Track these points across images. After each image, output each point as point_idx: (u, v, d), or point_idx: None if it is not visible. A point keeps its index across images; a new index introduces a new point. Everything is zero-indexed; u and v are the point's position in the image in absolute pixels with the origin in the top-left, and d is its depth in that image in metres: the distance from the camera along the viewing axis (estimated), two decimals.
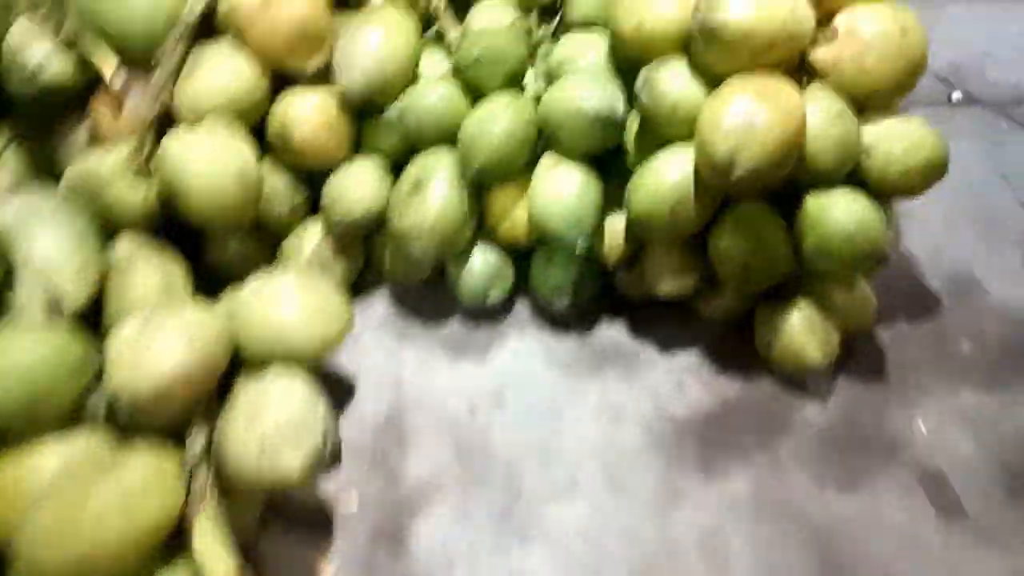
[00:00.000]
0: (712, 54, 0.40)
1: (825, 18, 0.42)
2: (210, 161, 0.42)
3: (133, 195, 0.42)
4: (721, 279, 0.45)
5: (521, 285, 0.52)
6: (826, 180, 0.41)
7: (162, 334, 0.35)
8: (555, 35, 0.52)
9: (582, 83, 0.44)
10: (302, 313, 0.40)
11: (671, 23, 0.42)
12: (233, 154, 0.43)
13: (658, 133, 0.43)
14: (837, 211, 0.41)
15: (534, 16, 0.51)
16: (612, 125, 0.43)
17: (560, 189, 0.45)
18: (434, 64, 0.51)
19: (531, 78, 0.49)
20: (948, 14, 0.79)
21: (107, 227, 0.42)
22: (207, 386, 0.36)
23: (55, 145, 0.48)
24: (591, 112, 0.43)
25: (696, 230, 0.43)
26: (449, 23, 0.51)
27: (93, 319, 0.39)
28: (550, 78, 0.48)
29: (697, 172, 0.41)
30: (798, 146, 0.38)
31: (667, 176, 0.42)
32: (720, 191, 0.41)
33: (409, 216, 0.46)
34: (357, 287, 0.54)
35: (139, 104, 0.44)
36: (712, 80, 0.41)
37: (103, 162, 0.42)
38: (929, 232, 0.58)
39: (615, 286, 0.51)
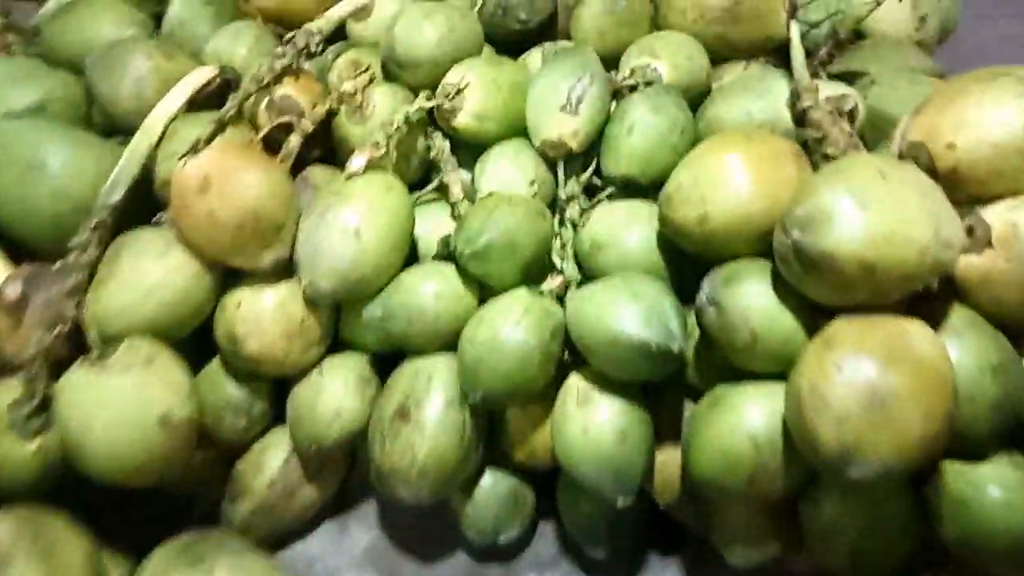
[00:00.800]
0: (812, 285, 0.28)
1: (967, 205, 0.30)
2: (122, 407, 0.31)
3: (20, 454, 0.32)
4: (815, 559, 0.32)
5: (545, 507, 0.40)
6: (977, 448, 0.29)
7: None
8: (587, 192, 0.40)
9: (622, 296, 0.32)
10: None
11: (748, 217, 0.31)
12: (155, 394, 0.32)
13: (730, 361, 0.32)
14: (993, 496, 0.28)
15: (560, 168, 0.40)
16: (664, 359, 0.31)
17: (594, 431, 0.33)
18: (435, 225, 0.40)
19: (556, 255, 0.37)
20: None
21: None
22: None
23: None
24: (634, 343, 0.31)
25: (785, 496, 0.31)
26: (453, 179, 0.40)
27: None
28: (581, 261, 0.37)
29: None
30: (945, 429, 0.26)
31: (745, 427, 0.30)
32: None
33: (394, 452, 0.35)
34: (338, 498, 0.43)
35: (42, 318, 0.33)
36: (809, 305, 0.29)
37: None
38: None
39: (668, 515, 0.39)
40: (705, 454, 0.31)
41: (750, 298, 0.30)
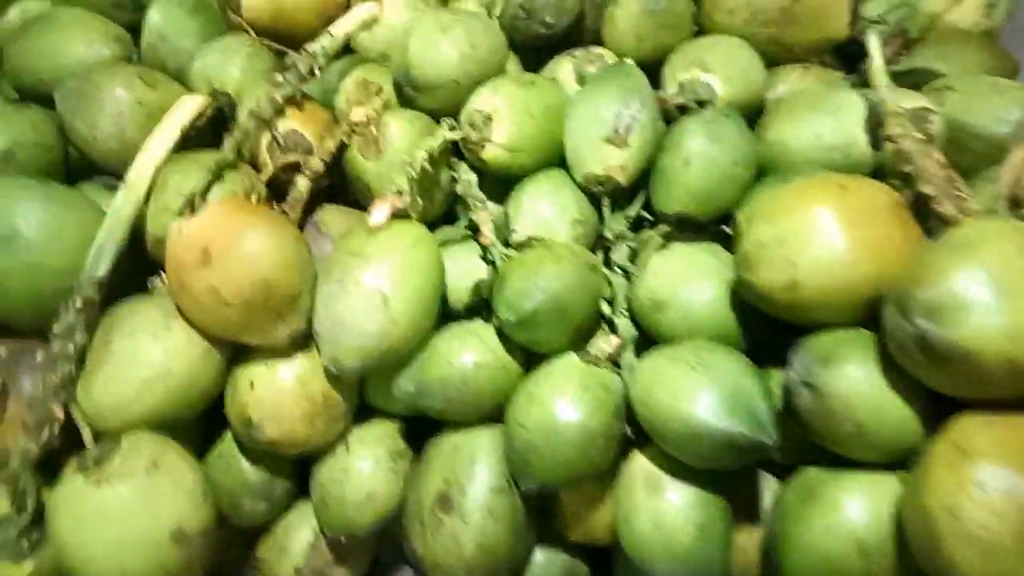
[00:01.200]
0: (938, 378, 0.24)
1: None
2: (127, 524, 0.27)
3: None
4: None
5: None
6: None
7: None
8: (634, 228, 0.35)
9: (698, 379, 0.27)
10: None
11: (846, 285, 0.26)
12: (164, 505, 0.28)
13: (825, 447, 0.28)
14: None
15: (606, 205, 0.35)
16: (752, 451, 0.27)
17: (668, 525, 0.29)
18: (463, 268, 0.35)
19: (604, 306, 0.33)
20: None
21: None
22: None
23: None
24: (718, 436, 0.27)
25: None
26: (483, 217, 0.35)
27: None
28: (638, 319, 0.32)
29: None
30: None
31: (849, 529, 0.26)
32: None
33: (437, 546, 0.31)
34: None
35: (26, 419, 0.29)
36: (923, 388, 0.25)
37: None
38: None
39: None
40: (802, 558, 0.27)
41: (853, 383, 0.25)
